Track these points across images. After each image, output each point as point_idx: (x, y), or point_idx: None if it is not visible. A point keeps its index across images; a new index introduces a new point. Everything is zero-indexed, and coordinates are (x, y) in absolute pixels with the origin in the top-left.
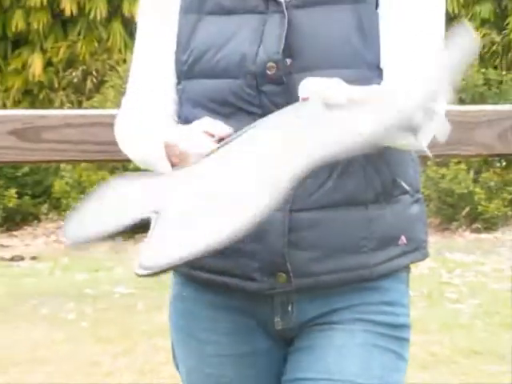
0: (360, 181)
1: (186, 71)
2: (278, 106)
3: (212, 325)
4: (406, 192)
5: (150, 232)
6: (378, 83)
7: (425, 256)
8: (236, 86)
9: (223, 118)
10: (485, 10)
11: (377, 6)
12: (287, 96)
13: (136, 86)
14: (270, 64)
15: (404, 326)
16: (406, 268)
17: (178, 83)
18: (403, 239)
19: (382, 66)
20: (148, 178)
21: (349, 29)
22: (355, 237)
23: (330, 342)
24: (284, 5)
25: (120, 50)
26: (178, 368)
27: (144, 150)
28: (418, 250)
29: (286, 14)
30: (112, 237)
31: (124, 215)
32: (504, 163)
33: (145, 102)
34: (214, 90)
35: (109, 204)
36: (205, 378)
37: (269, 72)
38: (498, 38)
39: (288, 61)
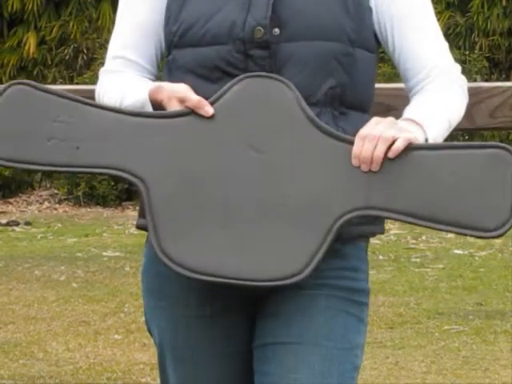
0: None
1: (177, 41)
2: (264, 70)
3: (182, 287)
4: None
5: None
6: (360, 58)
7: (382, 230)
8: (225, 51)
9: (211, 82)
10: None
11: None
12: (272, 61)
13: (117, 55)
14: (258, 28)
15: (364, 291)
16: (366, 237)
17: (168, 54)
18: None
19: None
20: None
21: (334, 7)
22: None
23: (296, 307)
24: None
25: (109, 30)
26: (150, 331)
27: (131, 97)
28: (377, 222)
29: None
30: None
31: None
32: (467, 137)
33: (126, 70)
34: (204, 56)
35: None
36: (175, 340)
37: (256, 36)
38: (461, 20)
39: (276, 30)
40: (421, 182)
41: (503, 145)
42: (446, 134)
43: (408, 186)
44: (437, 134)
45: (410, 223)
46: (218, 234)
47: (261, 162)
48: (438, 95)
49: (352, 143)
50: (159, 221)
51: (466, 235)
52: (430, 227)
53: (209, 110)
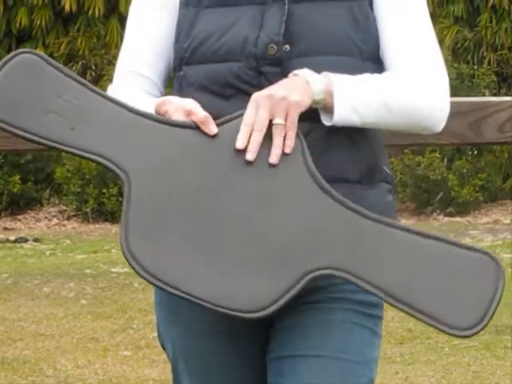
0: (343, 159)
1: (188, 57)
2: None
3: (193, 304)
4: (384, 179)
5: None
6: (371, 72)
7: None
8: (237, 68)
9: (224, 99)
10: (458, 8)
11: (370, 3)
12: (285, 77)
13: (125, 72)
14: (271, 45)
15: (377, 305)
16: None
17: (179, 70)
18: None
19: (386, 58)
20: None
21: (344, 21)
22: None
23: (312, 321)
24: None
25: (117, 46)
26: (163, 346)
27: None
28: None
29: (287, 2)
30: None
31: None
32: (475, 152)
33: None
34: (216, 73)
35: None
36: (188, 353)
37: (269, 53)
38: (470, 35)
39: (287, 47)
40: (404, 264)
41: (490, 254)
42: (379, 113)
43: (391, 264)
44: (352, 95)
45: (384, 300)
46: (191, 253)
47: (250, 195)
48: (381, 77)
49: (338, 201)
50: (133, 218)
51: (432, 327)
52: (403, 310)
53: (213, 128)
